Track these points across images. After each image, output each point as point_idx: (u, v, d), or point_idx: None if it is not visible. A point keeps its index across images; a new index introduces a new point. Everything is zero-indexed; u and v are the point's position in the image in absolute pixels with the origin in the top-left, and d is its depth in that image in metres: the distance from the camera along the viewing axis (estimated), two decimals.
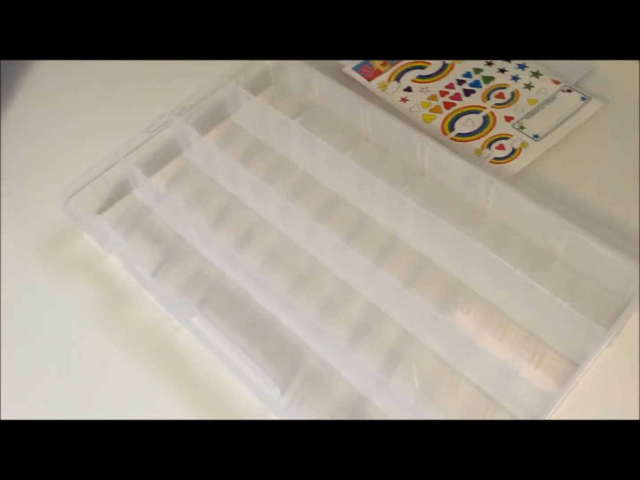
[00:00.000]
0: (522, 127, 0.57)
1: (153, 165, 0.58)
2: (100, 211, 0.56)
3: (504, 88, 0.60)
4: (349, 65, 0.62)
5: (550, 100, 0.59)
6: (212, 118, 0.61)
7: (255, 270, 0.51)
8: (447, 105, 0.59)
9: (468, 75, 0.62)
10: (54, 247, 0.54)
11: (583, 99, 0.58)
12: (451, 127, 0.58)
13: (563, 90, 0.59)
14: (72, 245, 0.54)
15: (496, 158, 0.56)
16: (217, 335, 0.48)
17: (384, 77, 0.62)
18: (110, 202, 0.57)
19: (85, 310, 0.51)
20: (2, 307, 0.52)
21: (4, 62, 0.67)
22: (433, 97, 0.60)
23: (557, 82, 0.60)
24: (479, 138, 0.57)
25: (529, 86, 0.60)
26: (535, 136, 0.57)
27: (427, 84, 0.61)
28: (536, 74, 0.61)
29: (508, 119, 0.58)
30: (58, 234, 0.55)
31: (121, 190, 0.57)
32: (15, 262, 0.54)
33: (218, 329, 0.48)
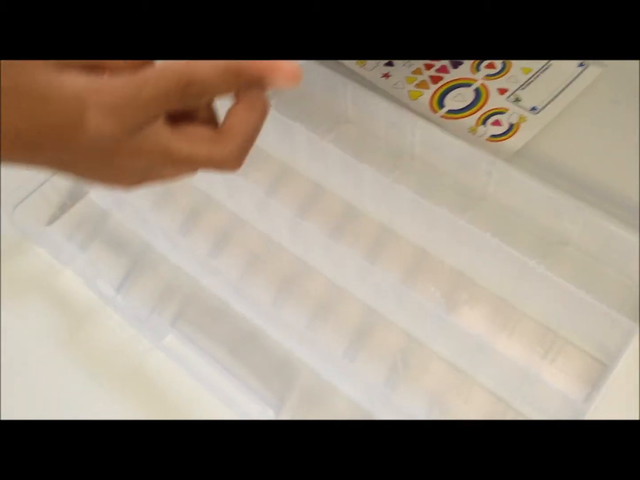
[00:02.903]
0: (517, 100, 0.52)
1: None
2: (52, 220, 0.49)
3: None
4: None
5: (545, 68, 0.54)
6: None
7: (234, 277, 0.46)
8: (434, 80, 0.54)
9: None
10: (2, 263, 0.48)
11: (580, 65, 0.53)
12: (441, 104, 0.52)
13: None
14: (22, 260, 0.48)
15: (493, 135, 0.50)
16: (196, 355, 0.42)
17: None
18: (63, 209, 0.50)
19: (42, 336, 0.44)
20: None
21: None
22: (418, 71, 0.55)
23: None
24: (472, 114, 0.52)
25: None
26: (533, 109, 0.52)
27: None
28: None
29: (502, 91, 0.53)
30: (5, 248, 0.48)
31: (75, 194, 0.50)
32: None
33: (196, 347, 0.42)
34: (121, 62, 0.29)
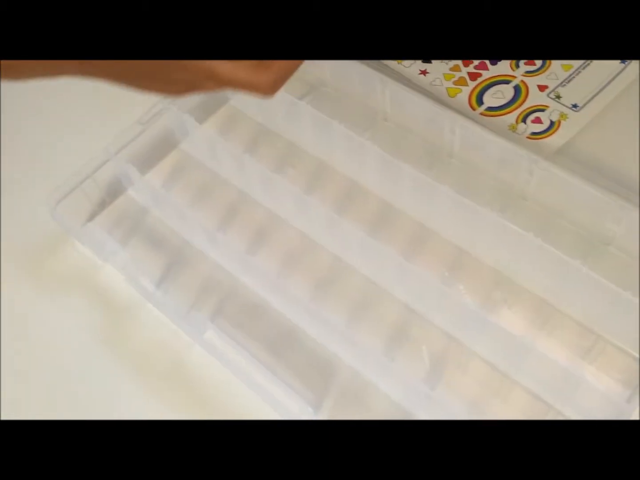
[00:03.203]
0: (558, 97, 0.51)
1: (148, 160, 0.52)
2: (93, 216, 0.50)
3: None
4: None
5: (585, 65, 0.53)
6: (210, 104, 0.55)
7: (272, 274, 0.46)
8: (473, 76, 0.53)
9: None
10: (44, 259, 0.48)
11: (623, 62, 0.53)
12: (479, 101, 0.52)
13: None
14: (63, 256, 0.48)
15: (533, 133, 0.50)
16: (236, 351, 0.42)
17: None
18: (102, 205, 0.50)
19: (83, 332, 0.45)
20: None
21: None
22: (456, 68, 0.54)
23: None
24: (511, 111, 0.51)
25: None
26: (574, 106, 0.51)
27: None
28: None
29: (542, 88, 0.52)
30: (47, 244, 0.49)
31: (114, 191, 0.51)
32: (1, 275, 0.48)
33: (236, 344, 0.43)
34: None
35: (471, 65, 0.54)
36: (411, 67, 0.54)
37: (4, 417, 0.42)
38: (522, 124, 0.50)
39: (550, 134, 0.50)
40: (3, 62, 0.33)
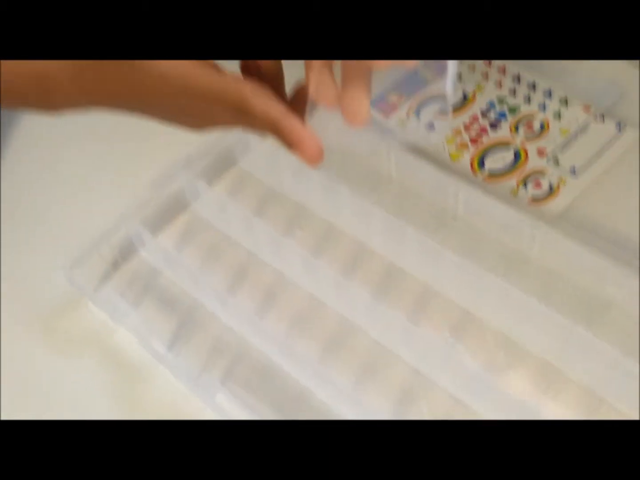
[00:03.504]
0: (557, 161, 0.53)
1: (159, 222, 0.54)
2: (106, 277, 0.51)
3: (532, 118, 0.56)
4: None
5: (583, 130, 0.55)
6: (219, 166, 0.57)
7: (281, 336, 0.47)
8: (474, 141, 0.55)
9: (491, 105, 0.58)
10: (58, 320, 0.49)
11: (617, 127, 0.55)
12: (481, 165, 0.54)
13: (595, 119, 0.55)
14: (77, 318, 0.49)
15: (534, 197, 0.51)
16: (246, 414, 0.43)
17: (401, 112, 0.58)
18: (115, 266, 0.52)
19: (96, 392, 0.46)
20: (2, 389, 0.46)
21: None
22: (457, 132, 0.56)
23: (587, 110, 0.56)
24: (512, 176, 0.53)
25: (558, 115, 0.56)
26: (573, 171, 0.53)
27: None
28: (564, 101, 0.57)
29: (541, 152, 0.54)
30: (62, 306, 0.50)
31: (126, 252, 0.52)
32: (16, 338, 0.49)
33: (246, 407, 0.43)
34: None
35: (472, 130, 0.56)
36: (415, 133, 0.56)
37: None
38: (523, 188, 0.52)
39: (551, 198, 0.51)
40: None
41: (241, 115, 0.33)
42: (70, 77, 0.34)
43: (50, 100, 0.35)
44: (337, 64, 0.36)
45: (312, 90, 0.35)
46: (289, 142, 0.33)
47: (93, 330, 0.49)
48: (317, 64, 0.35)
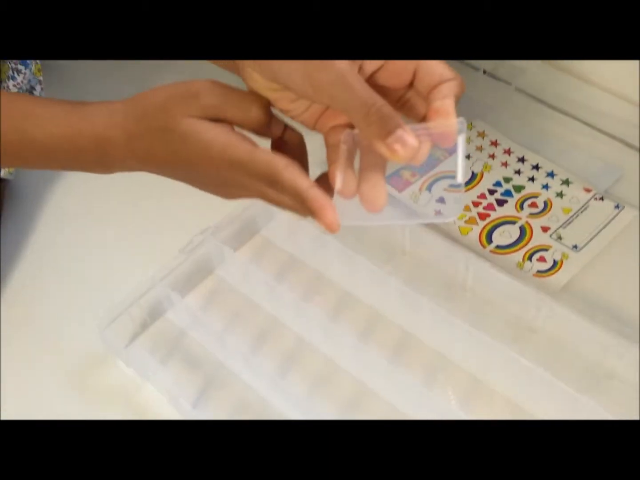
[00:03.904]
0: (559, 238, 0.57)
1: (186, 285, 0.57)
2: (135, 336, 0.54)
3: (535, 197, 0.60)
4: None
5: (583, 208, 0.59)
6: (243, 233, 0.60)
7: (300, 398, 0.49)
8: (482, 216, 0.59)
9: (498, 184, 0.62)
10: (89, 375, 0.52)
11: (617, 207, 0.59)
12: (489, 239, 0.58)
13: (595, 199, 0.59)
14: (107, 373, 0.52)
15: (539, 271, 0.55)
16: None
17: (414, 188, 0.62)
18: (144, 326, 0.55)
19: None
20: None
21: (23, 183, 0.66)
22: (467, 208, 0.60)
23: (588, 190, 0.60)
24: (518, 250, 0.56)
25: (560, 194, 0.60)
26: (575, 247, 0.56)
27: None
28: (566, 182, 0.61)
29: (544, 229, 0.58)
30: (93, 362, 0.53)
31: (155, 313, 0.55)
32: (50, 389, 0.52)
33: None
34: (235, 115, 0.37)
35: (480, 206, 0.60)
36: (427, 205, 0.61)
37: None
38: (528, 262, 0.56)
39: (554, 272, 0.55)
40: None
41: (271, 185, 0.37)
42: (125, 142, 0.38)
43: (105, 161, 0.40)
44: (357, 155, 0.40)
45: (337, 186, 0.38)
46: (312, 210, 0.36)
47: (122, 386, 0.51)
48: (341, 159, 0.38)
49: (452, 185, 0.62)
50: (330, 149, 0.40)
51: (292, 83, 0.37)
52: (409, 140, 0.34)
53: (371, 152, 0.37)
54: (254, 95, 0.38)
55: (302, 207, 0.37)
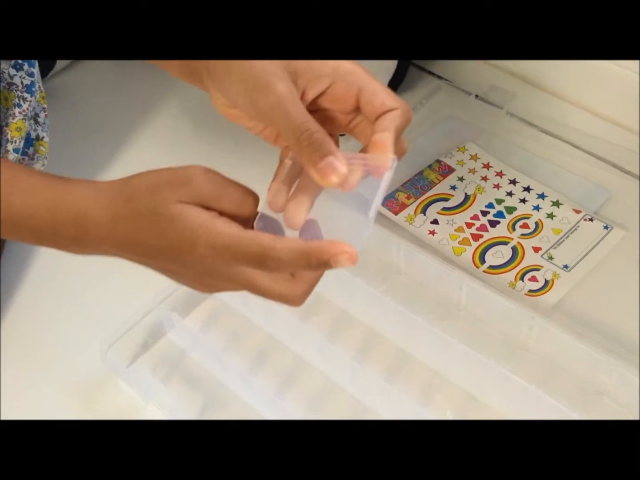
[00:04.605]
0: (550, 258, 0.59)
1: (186, 306, 0.58)
2: (136, 357, 0.55)
3: (527, 218, 0.62)
4: None
5: (573, 229, 0.61)
6: None
7: (299, 417, 0.50)
8: (475, 237, 0.61)
9: (490, 205, 0.64)
10: (91, 395, 0.53)
11: (605, 227, 0.60)
12: (482, 259, 0.59)
13: (585, 220, 0.61)
14: (109, 393, 0.53)
15: (531, 290, 0.56)
16: None
17: (410, 210, 0.63)
18: (145, 347, 0.56)
19: None
20: None
21: None
22: (460, 229, 0.62)
23: (577, 211, 0.62)
24: (510, 270, 0.58)
25: (551, 216, 0.62)
26: (565, 266, 0.58)
27: (452, 216, 0.63)
28: (556, 204, 0.63)
29: (536, 249, 0.59)
30: (95, 382, 0.54)
31: (156, 334, 0.56)
32: (52, 412, 0.52)
33: None
34: (226, 207, 0.36)
35: (473, 227, 0.62)
36: (421, 227, 0.62)
37: None
38: (520, 281, 0.57)
39: (546, 292, 0.56)
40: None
41: (262, 264, 0.35)
42: (108, 222, 0.36)
43: (82, 240, 0.38)
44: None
45: (268, 197, 0.38)
46: (323, 259, 0.34)
47: (124, 406, 0.52)
48: (281, 174, 0.38)
49: (444, 208, 0.63)
50: (279, 164, 0.41)
51: (238, 104, 0.38)
52: (338, 167, 0.35)
53: (306, 175, 0.38)
54: (248, 191, 0.37)
55: (308, 263, 0.35)
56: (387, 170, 0.36)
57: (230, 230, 0.35)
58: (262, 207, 0.38)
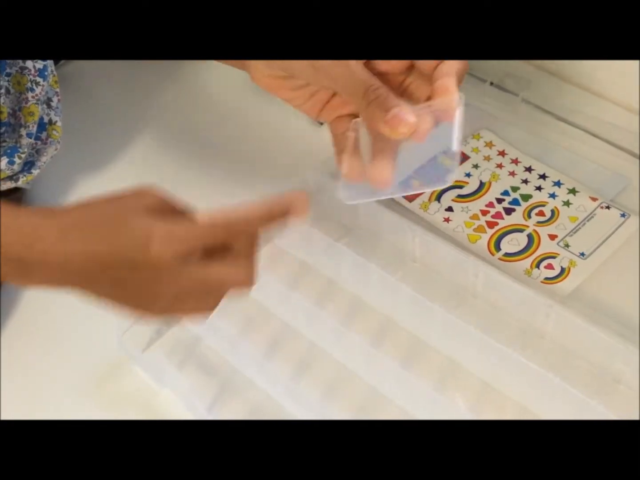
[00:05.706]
0: (567, 245, 0.58)
1: None
2: (151, 342, 0.55)
3: (543, 206, 0.62)
4: None
5: (590, 217, 0.60)
6: None
7: (313, 403, 0.50)
8: (490, 225, 0.61)
9: (506, 193, 0.63)
10: (107, 380, 0.53)
11: (622, 215, 0.60)
12: (497, 247, 0.59)
13: (601, 207, 0.61)
14: (125, 378, 0.53)
15: (547, 278, 0.56)
16: None
17: (424, 198, 0.63)
18: (159, 333, 0.56)
19: None
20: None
21: (40, 192, 0.67)
22: (475, 217, 0.61)
23: (594, 199, 0.61)
24: (526, 257, 0.58)
25: (567, 203, 0.61)
26: (582, 254, 0.57)
27: (467, 203, 0.62)
28: (573, 191, 0.62)
29: (552, 237, 0.59)
30: (111, 367, 0.54)
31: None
32: (66, 398, 0.53)
33: None
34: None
35: (488, 215, 0.61)
36: (436, 214, 0.62)
37: None
38: (536, 269, 0.57)
39: (562, 280, 0.56)
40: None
41: (220, 240, 0.37)
42: (57, 233, 0.35)
43: (26, 260, 0.35)
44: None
45: (343, 170, 0.39)
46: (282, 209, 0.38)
47: (138, 391, 0.52)
48: (349, 147, 0.39)
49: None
50: (336, 138, 0.41)
51: (294, 69, 0.38)
52: (406, 117, 0.35)
53: (380, 138, 0.38)
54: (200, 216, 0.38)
55: (270, 214, 0.38)
56: (456, 109, 0.36)
57: (184, 222, 0.36)
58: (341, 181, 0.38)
